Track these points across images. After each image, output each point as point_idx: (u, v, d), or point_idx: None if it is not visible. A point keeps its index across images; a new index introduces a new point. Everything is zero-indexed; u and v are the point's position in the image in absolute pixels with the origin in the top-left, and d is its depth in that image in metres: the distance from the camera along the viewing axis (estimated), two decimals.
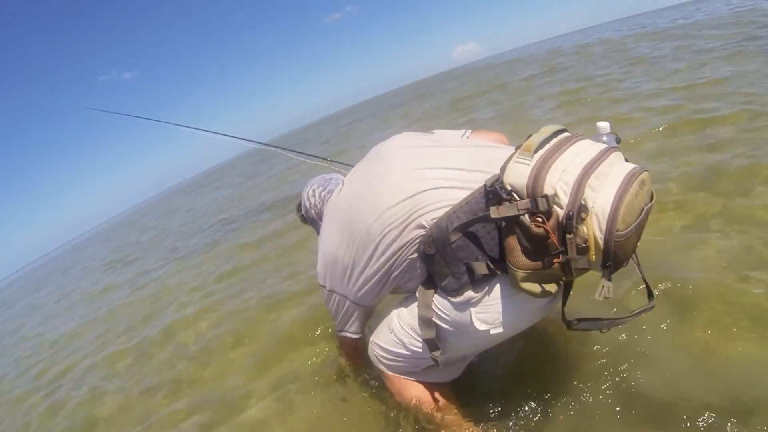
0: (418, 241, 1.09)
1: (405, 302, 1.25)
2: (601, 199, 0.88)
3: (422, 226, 1.07)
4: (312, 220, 1.47)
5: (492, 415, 1.32)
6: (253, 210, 6.22)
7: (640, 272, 1.05)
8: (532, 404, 1.29)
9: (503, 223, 0.97)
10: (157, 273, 5.21)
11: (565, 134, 1.02)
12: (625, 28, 15.11)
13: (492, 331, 1.07)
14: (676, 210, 2.05)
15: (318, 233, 1.40)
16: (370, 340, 1.34)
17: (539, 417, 1.26)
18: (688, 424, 1.09)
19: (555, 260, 0.92)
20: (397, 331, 1.23)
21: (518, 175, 0.94)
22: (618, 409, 1.20)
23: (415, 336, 1.19)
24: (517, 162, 0.95)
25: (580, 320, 1.07)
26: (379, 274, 1.17)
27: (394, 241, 1.11)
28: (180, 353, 2.64)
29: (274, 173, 10.03)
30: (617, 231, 0.87)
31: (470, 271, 1.03)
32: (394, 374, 1.30)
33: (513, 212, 0.92)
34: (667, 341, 1.34)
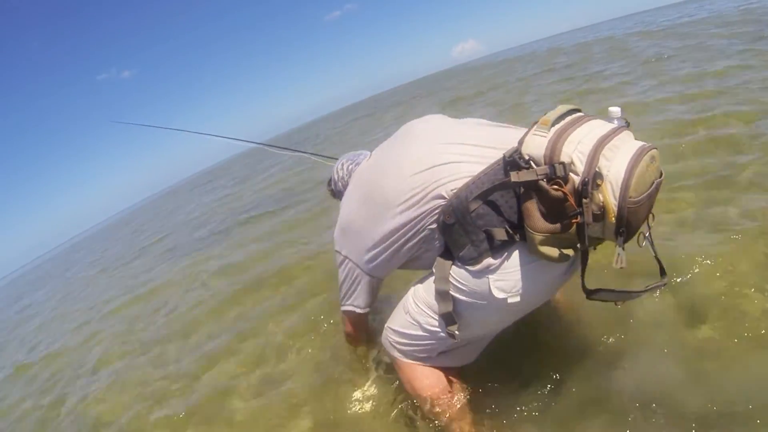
0: (437, 211, 1.10)
1: (421, 281, 1.26)
2: (614, 168, 0.91)
3: (441, 197, 1.09)
4: (339, 193, 1.51)
5: (494, 406, 1.33)
6: (245, 216, 6.02)
7: (653, 249, 1.05)
8: (532, 395, 1.31)
9: (521, 190, 0.99)
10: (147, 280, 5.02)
11: (579, 113, 1.05)
12: (627, 26, 14.91)
13: (510, 300, 1.06)
14: (683, 213, 1.94)
15: None
16: (385, 326, 1.33)
17: (539, 409, 1.27)
18: (681, 426, 1.08)
19: (573, 221, 0.95)
20: (413, 311, 1.23)
21: (536, 146, 0.98)
22: (616, 404, 1.20)
23: (431, 314, 1.19)
24: (535, 135, 0.99)
25: (598, 290, 1.08)
26: (391, 242, 1.18)
27: (409, 209, 1.13)
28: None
29: (269, 174, 9.88)
30: (630, 198, 0.90)
31: (490, 237, 1.05)
32: (407, 362, 1.30)
33: (532, 177, 0.95)
34: (665, 343, 1.32)
